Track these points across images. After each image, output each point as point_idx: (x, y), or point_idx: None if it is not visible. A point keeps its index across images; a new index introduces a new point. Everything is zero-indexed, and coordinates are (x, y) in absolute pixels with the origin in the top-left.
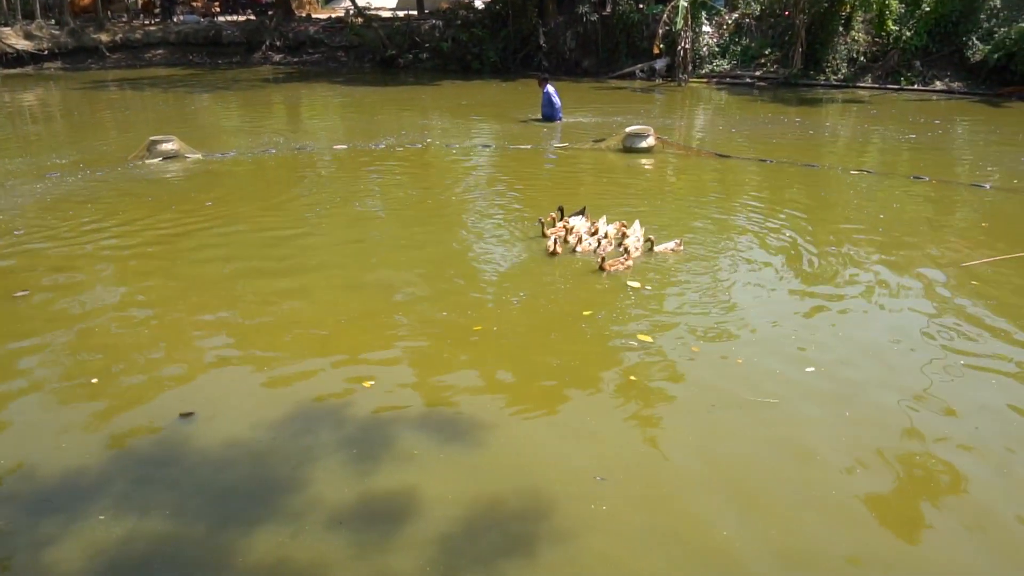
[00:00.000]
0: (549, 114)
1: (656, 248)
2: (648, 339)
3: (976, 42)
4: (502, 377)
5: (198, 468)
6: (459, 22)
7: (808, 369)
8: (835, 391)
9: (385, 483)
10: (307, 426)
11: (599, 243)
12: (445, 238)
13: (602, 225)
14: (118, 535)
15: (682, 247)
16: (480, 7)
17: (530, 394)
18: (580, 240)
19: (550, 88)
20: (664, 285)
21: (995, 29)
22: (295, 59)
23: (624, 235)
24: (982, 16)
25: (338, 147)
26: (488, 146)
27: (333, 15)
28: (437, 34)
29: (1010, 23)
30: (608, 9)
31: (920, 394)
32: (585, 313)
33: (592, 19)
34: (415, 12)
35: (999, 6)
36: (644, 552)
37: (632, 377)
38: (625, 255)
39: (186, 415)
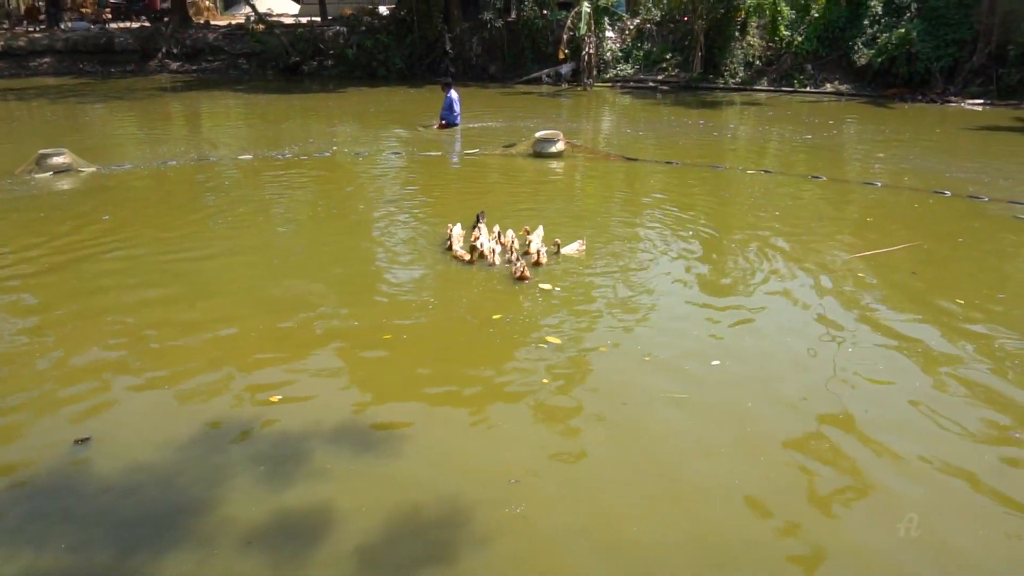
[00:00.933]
0: (448, 118)
1: (562, 250)
2: (556, 341)
3: (861, 47)
4: (413, 385)
5: (98, 496)
6: (364, 28)
7: (714, 363)
8: (739, 384)
9: (299, 499)
10: (214, 446)
11: (511, 253)
12: (354, 248)
13: (510, 235)
14: (11, 574)
15: (584, 247)
16: (385, 13)
17: (442, 401)
18: (490, 252)
19: (453, 93)
20: (574, 287)
21: (877, 35)
22: (194, 67)
23: (528, 241)
24: (865, 22)
25: (243, 157)
26: (398, 153)
27: (233, 21)
28: (342, 41)
29: (890, 29)
30: (513, 15)
31: (818, 383)
32: (495, 317)
33: (497, 25)
34: (318, 18)
35: (880, 13)
36: (560, 551)
37: (544, 380)
38: (528, 260)
39: (81, 441)
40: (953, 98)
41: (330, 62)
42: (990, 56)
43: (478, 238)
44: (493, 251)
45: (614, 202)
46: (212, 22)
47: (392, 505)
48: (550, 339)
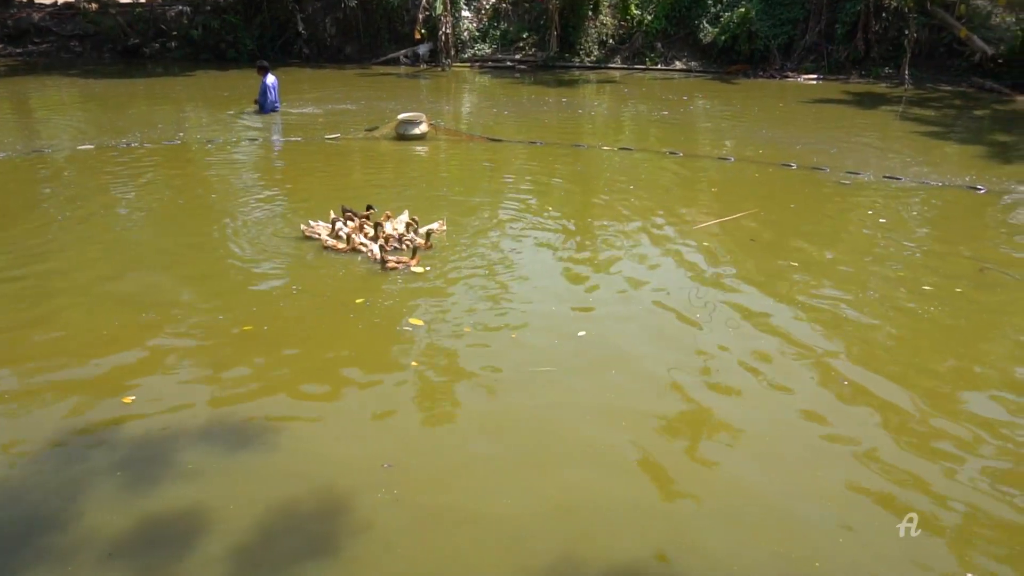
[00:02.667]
0: (264, 104)
1: (420, 229)
2: (419, 323)
3: (706, 25)
4: (278, 376)
5: None
6: (209, 8)
7: (580, 334)
8: (603, 354)
9: (166, 504)
10: (67, 455)
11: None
12: (209, 239)
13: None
14: None
15: (444, 227)
16: None
17: (310, 391)
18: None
19: (269, 78)
20: (437, 268)
21: (720, 14)
22: (18, 50)
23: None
24: (709, 2)
25: (83, 147)
26: (255, 140)
27: (61, 1)
28: (185, 21)
29: (732, 8)
30: None
31: (675, 348)
32: (358, 302)
33: (351, 4)
34: None
35: None
36: (436, 531)
37: (414, 363)
38: (408, 250)
39: None
40: (790, 73)
41: (174, 44)
42: (820, 34)
43: (343, 228)
44: (356, 238)
45: (479, 183)
46: (36, 1)
47: (266, 501)
48: (414, 321)
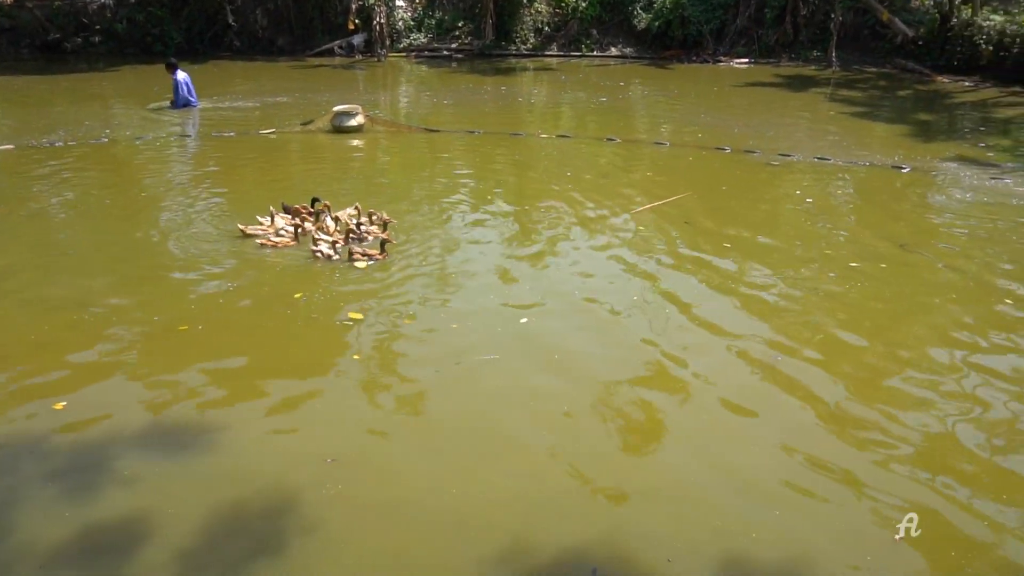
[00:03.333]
0: (176, 101)
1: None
2: (359, 316)
3: (640, 11)
4: (215, 376)
5: None
6: (133, 0)
7: (522, 320)
8: (546, 341)
9: (104, 513)
10: (2, 466)
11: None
12: (144, 240)
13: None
14: None
15: (386, 216)
16: None
17: (249, 389)
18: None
19: (180, 74)
20: (377, 261)
21: (654, 0)
22: None
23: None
24: None
25: (2, 147)
26: (187, 136)
27: None
28: (109, 14)
29: None
30: None
31: (616, 332)
32: (296, 296)
33: None
34: None
35: None
36: (382, 525)
37: (356, 356)
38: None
39: None
40: (723, 58)
41: (97, 38)
42: (750, 19)
43: (285, 227)
44: (316, 233)
45: (419, 174)
46: None
47: (212, 503)
48: (353, 315)
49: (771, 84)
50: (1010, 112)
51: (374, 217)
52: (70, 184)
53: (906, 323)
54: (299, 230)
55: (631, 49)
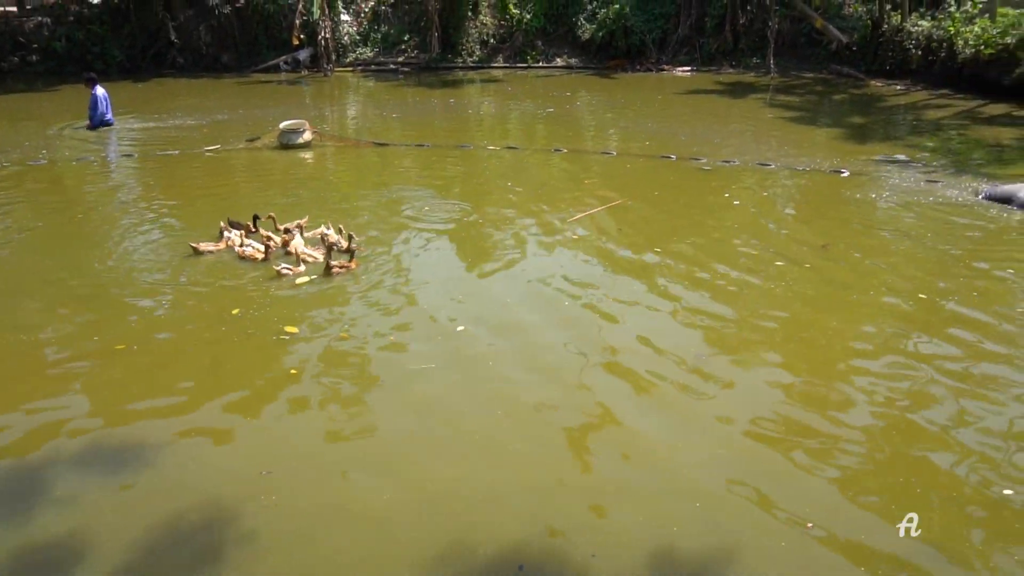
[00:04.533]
0: (93, 117)
1: (307, 235)
2: (295, 330)
3: (584, 22)
4: (154, 394)
5: None
6: (72, 19)
7: (459, 329)
8: (481, 348)
9: (41, 535)
10: None
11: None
12: (83, 260)
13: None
14: None
15: (329, 230)
16: (96, 1)
17: (183, 405)
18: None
19: (99, 90)
20: (317, 274)
21: (596, 11)
22: None
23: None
24: None
25: None
26: (130, 155)
27: None
28: (47, 33)
29: (607, 5)
30: (242, 0)
31: (550, 336)
32: (233, 312)
33: (225, 11)
34: (14, 8)
35: None
36: (319, 533)
37: (293, 371)
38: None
39: None
40: (666, 66)
41: (35, 57)
42: (692, 27)
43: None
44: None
45: (367, 188)
46: None
47: (150, 519)
48: (289, 329)
49: (713, 91)
50: (939, 114)
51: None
52: (7, 205)
53: (827, 320)
54: (269, 247)
55: (576, 59)
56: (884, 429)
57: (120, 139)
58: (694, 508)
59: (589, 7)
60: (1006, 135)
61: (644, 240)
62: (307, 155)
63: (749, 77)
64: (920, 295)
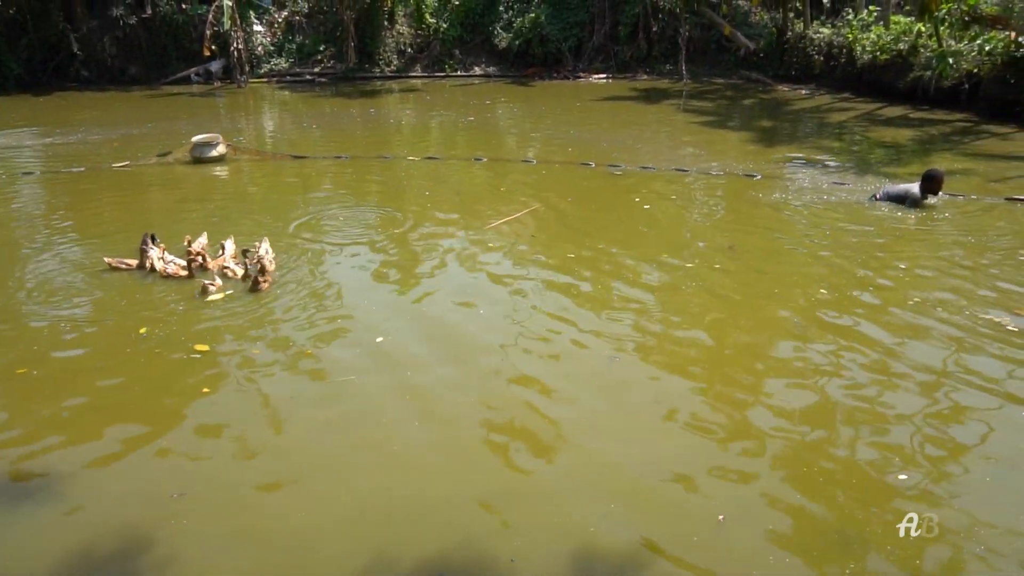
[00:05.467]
0: None
1: (223, 253)
2: (205, 348)
3: (500, 31)
4: (55, 420)
5: None
6: None
7: (378, 340)
8: (402, 358)
9: None
10: None
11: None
12: None
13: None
14: None
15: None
16: None
17: (90, 430)
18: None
19: None
20: (230, 290)
21: (513, 20)
22: None
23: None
24: (501, 8)
25: None
26: (30, 173)
27: None
28: None
29: (523, 14)
30: (149, 11)
31: (471, 345)
32: (141, 332)
33: (131, 22)
34: None
35: None
36: (233, 553)
37: (205, 389)
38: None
39: None
40: (582, 74)
41: None
42: (606, 35)
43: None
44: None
45: (285, 202)
46: None
47: (63, 550)
48: (199, 347)
49: (629, 98)
50: (842, 116)
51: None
52: None
53: (736, 318)
54: (192, 264)
55: (494, 68)
56: (788, 423)
57: (18, 155)
58: (610, 508)
59: (505, 16)
60: (903, 136)
61: (558, 245)
62: (221, 170)
63: (663, 83)
64: (822, 290)
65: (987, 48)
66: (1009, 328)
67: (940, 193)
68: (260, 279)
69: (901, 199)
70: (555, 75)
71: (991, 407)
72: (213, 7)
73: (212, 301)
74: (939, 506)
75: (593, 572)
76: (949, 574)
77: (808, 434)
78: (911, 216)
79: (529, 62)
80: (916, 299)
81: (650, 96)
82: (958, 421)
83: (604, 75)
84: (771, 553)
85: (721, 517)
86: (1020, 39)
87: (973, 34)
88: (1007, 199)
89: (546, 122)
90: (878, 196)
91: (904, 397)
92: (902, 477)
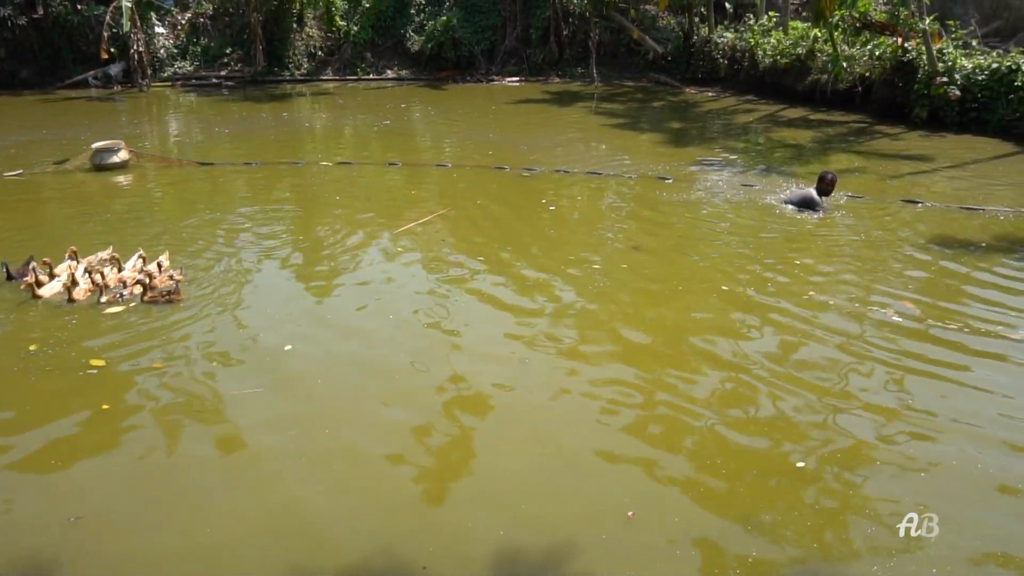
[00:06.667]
0: None
1: (124, 265)
2: (101, 363)
3: (412, 34)
4: None
5: None
6: None
7: (286, 348)
8: (309, 367)
9: None
10: None
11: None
12: None
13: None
14: None
15: (142, 259)
16: None
17: None
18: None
19: None
20: (133, 303)
21: (425, 23)
22: None
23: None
24: (412, 11)
25: None
26: None
27: None
28: None
29: (435, 17)
30: (40, 11)
31: (383, 350)
32: (31, 349)
33: (20, 23)
34: None
35: (424, 2)
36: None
37: (105, 406)
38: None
39: None
40: (495, 77)
41: None
42: (518, 39)
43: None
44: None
45: (191, 210)
46: None
47: None
48: (95, 362)
49: (543, 100)
50: (747, 118)
51: (161, 266)
52: None
53: (643, 315)
54: (95, 280)
55: (407, 71)
56: (693, 417)
57: None
58: (521, 510)
59: (417, 19)
60: (803, 136)
61: (467, 248)
62: (124, 177)
63: (575, 86)
64: (723, 287)
65: (877, 53)
66: (894, 319)
67: (834, 193)
68: (154, 294)
69: (806, 204)
70: (468, 78)
71: (881, 392)
72: (111, 8)
73: (110, 314)
74: (832, 495)
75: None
76: (843, 553)
77: (713, 426)
78: (814, 216)
79: (442, 65)
80: (812, 293)
81: (563, 99)
82: (852, 409)
83: (517, 78)
84: (678, 547)
85: (631, 513)
86: (906, 45)
87: (864, 39)
88: (903, 200)
89: (461, 125)
90: (784, 201)
91: (801, 387)
92: (800, 464)
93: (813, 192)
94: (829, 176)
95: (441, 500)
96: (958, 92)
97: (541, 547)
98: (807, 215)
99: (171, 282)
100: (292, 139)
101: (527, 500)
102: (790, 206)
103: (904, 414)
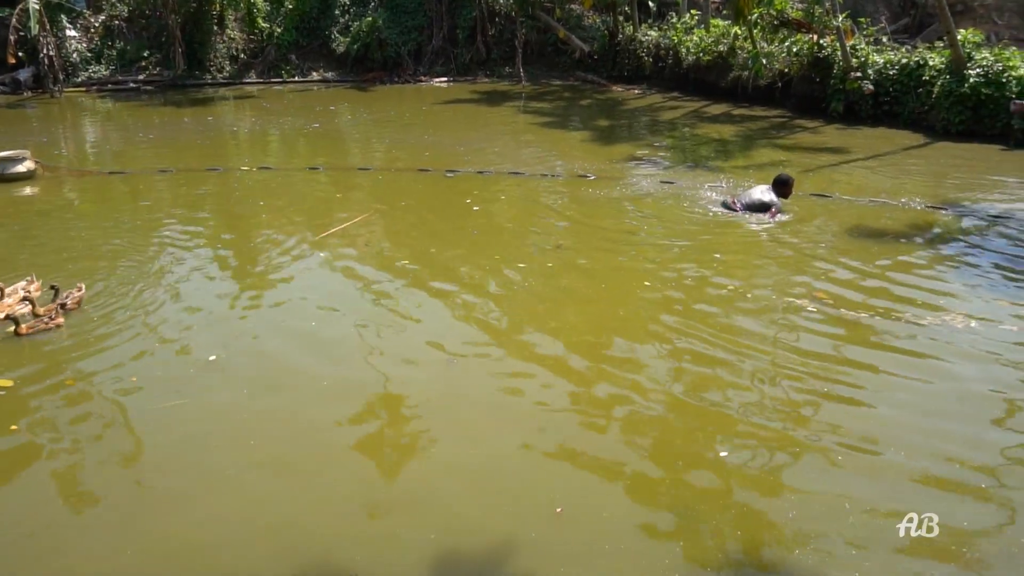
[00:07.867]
0: None
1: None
2: (8, 384)
3: (337, 35)
4: None
5: None
6: None
7: (211, 358)
8: (236, 376)
9: None
10: None
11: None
12: None
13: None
14: None
15: (35, 284)
16: None
17: None
18: None
19: None
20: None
21: (350, 23)
22: None
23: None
24: (337, 12)
25: None
26: None
27: None
28: None
29: (360, 18)
30: None
31: (310, 357)
32: None
33: None
34: None
35: (349, 3)
36: None
37: (12, 427)
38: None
39: None
40: (423, 77)
41: None
42: (445, 39)
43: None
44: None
45: (101, 222)
46: None
47: None
48: (2, 383)
49: (471, 100)
50: (672, 115)
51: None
52: None
53: (564, 314)
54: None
55: (332, 73)
56: (620, 411)
57: None
58: (454, 512)
59: (342, 20)
60: (727, 131)
61: (390, 251)
62: (30, 189)
63: (503, 86)
64: (646, 283)
65: (795, 50)
66: (809, 309)
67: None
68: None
69: (764, 208)
70: (396, 79)
71: (801, 381)
72: (17, 10)
73: (9, 332)
74: (756, 487)
75: None
76: (783, 547)
77: (639, 417)
78: (770, 220)
79: (369, 67)
80: (731, 287)
81: (491, 98)
82: (773, 398)
83: (445, 78)
84: (607, 541)
85: (559, 509)
86: (822, 41)
87: (782, 36)
88: (812, 195)
89: (391, 127)
90: (737, 207)
91: (724, 380)
92: (723, 454)
93: (773, 195)
94: (786, 177)
95: (370, 506)
96: (871, 87)
97: (474, 549)
98: (758, 218)
99: (55, 305)
100: (216, 145)
101: (458, 502)
102: (743, 211)
103: (821, 403)
